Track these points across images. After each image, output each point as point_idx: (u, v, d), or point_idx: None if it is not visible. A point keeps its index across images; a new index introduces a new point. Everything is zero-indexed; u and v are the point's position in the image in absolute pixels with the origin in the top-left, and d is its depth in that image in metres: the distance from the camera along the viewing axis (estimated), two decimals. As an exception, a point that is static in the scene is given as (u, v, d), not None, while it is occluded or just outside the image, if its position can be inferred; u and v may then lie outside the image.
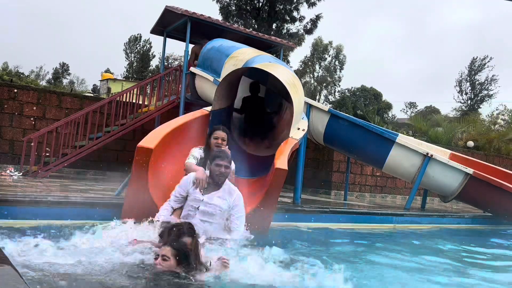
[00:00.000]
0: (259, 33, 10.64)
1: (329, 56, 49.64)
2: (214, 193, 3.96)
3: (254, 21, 23.23)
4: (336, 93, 50.43)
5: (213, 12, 27.09)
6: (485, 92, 45.33)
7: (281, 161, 4.45)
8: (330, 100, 49.18)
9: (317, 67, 49.62)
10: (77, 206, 4.45)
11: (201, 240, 3.27)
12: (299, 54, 70.13)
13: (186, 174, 4.22)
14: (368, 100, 45.89)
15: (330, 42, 49.40)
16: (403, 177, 8.23)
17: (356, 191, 11.16)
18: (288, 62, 25.44)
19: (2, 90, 9.09)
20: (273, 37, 10.64)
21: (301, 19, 24.26)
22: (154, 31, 10.16)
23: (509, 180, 7.86)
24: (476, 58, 46.66)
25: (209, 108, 5.80)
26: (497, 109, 34.10)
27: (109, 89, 37.49)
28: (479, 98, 45.48)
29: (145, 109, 9.44)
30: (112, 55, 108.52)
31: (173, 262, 2.65)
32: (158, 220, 3.81)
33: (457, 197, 7.82)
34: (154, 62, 54.08)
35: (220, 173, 3.94)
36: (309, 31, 24.71)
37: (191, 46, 9.24)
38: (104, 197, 5.14)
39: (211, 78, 7.46)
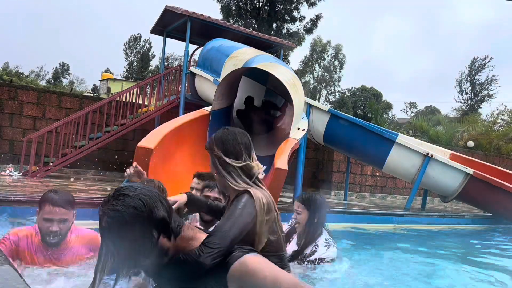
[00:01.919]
0: (259, 33, 10.64)
1: (328, 56, 49.53)
2: None
3: (254, 21, 23.21)
4: (336, 93, 50.36)
5: (214, 12, 27.13)
6: (485, 92, 45.27)
7: (281, 161, 4.45)
8: (330, 100, 49.12)
9: (316, 67, 49.52)
10: (77, 206, 4.43)
11: None
12: (299, 54, 70.25)
13: None
14: (368, 100, 45.82)
15: (329, 42, 49.29)
16: (403, 177, 8.23)
17: (356, 191, 11.16)
18: (288, 62, 25.42)
19: (2, 90, 9.09)
20: (273, 37, 10.64)
21: (301, 19, 24.26)
22: (154, 31, 10.16)
23: (509, 180, 7.87)
24: (477, 58, 46.61)
25: (209, 108, 5.80)
26: (497, 109, 34.09)
27: (109, 89, 37.49)
28: (479, 98, 45.41)
29: (145, 109, 9.44)
30: (112, 55, 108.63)
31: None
32: None
33: (457, 197, 7.82)
34: (154, 62, 53.99)
35: None
36: (309, 31, 24.71)
37: (191, 46, 9.24)
38: (104, 197, 5.13)
39: (211, 78, 7.46)
